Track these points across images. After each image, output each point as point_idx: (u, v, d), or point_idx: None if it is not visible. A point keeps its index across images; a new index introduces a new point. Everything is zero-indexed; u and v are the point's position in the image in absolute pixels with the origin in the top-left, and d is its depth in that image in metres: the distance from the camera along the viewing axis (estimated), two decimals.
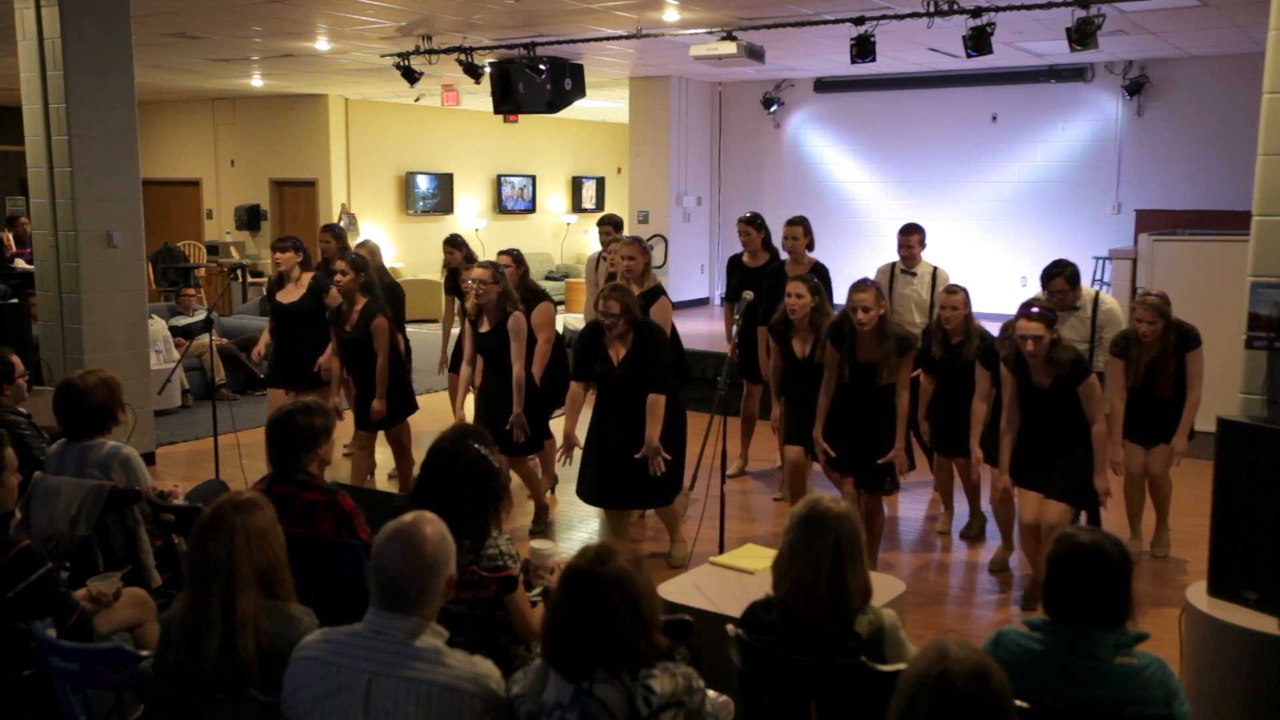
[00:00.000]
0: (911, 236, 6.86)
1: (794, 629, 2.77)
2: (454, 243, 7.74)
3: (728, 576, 4.06)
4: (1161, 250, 8.35)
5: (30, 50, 7.26)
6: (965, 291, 5.76)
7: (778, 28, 9.39)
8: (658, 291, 6.10)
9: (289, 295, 6.68)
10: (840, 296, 5.63)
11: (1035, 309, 4.85)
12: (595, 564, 2.38)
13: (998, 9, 8.28)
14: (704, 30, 9.71)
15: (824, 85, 13.73)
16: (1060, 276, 5.84)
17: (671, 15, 9.19)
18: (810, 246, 6.87)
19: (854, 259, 11.27)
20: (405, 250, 16.22)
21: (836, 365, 5.26)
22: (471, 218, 17.07)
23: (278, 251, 6.70)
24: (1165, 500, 5.77)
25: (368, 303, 6.13)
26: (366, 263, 6.33)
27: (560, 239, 18.82)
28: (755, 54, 10.04)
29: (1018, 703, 2.28)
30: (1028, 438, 5.00)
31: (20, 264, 10.88)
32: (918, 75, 12.76)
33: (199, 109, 16.61)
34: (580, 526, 6.54)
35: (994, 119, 12.81)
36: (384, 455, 7.23)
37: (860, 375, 5.20)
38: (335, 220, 14.09)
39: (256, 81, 14.02)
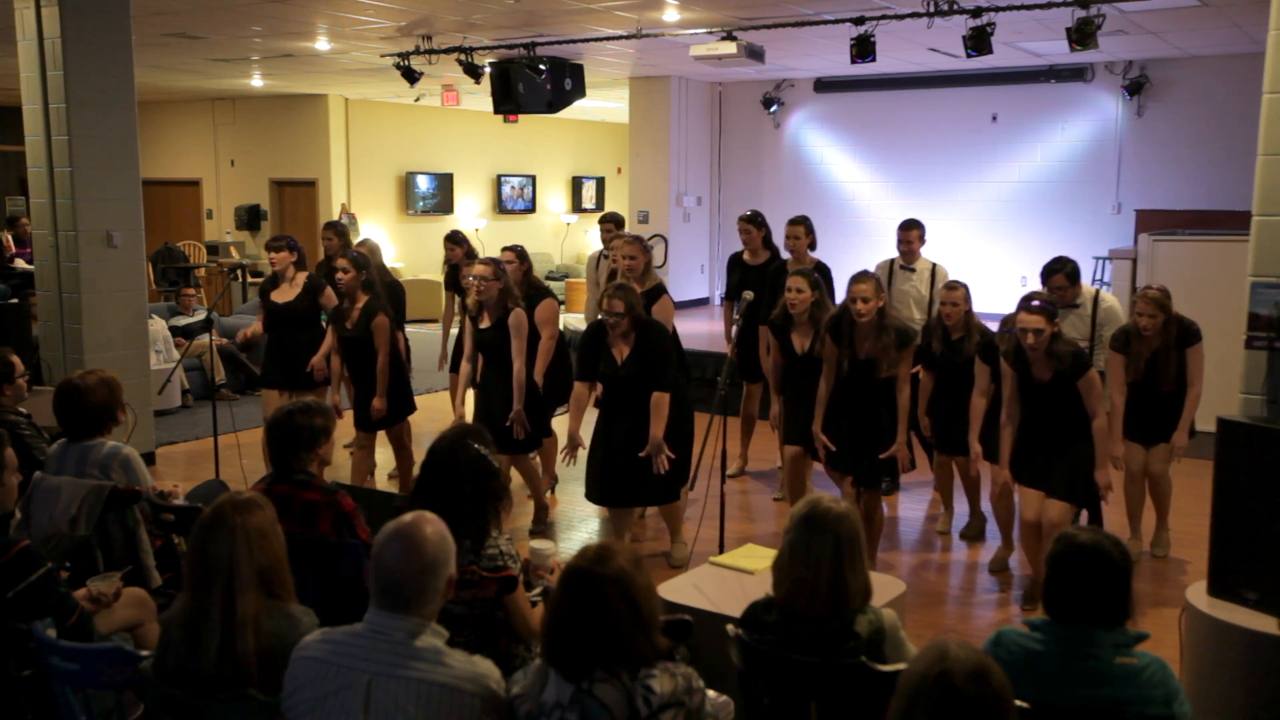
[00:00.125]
0: (911, 232, 6.86)
1: (794, 629, 2.77)
2: (455, 239, 7.75)
3: (728, 576, 4.06)
4: (1161, 250, 8.35)
5: (30, 50, 7.26)
6: (966, 287, 5.76)
7: (778, 28, 9.39)
8: (660, 290, 6.10)
9: (283, 295, 6.64)
10: (841, 296, 5.63)
11: (1036, 302, 4.84)
12: (595, 564, 2.38)
13: (998, 9, 8.28)
14: (704, 30, 9.71)
15: (824, 85, 13.73)
16: (1060, 273, 5.84)
17: (671, 15, 9.19)
18: (812, 246, 6.86)
19: (854, 259, 11.17)
20: (405, 250, 16.22)
21: (835, 358, 5.26)
22: (471, 218, 17.07)
23: (272, 251, 6.67)
24: (1165, 500, 5.77)
25: (369, 301, 6.13)
26: (368, 261, 6.34)
27: (560, 239, 18.82)
28: (755, 54, 10.04)
29: (1018, 703, 2.28)
30: (1028, 433, 4.99)
31: (20, 264, 10.90)
32: (918, 75, 12.76)
33: (199, 109, 16.61)
34: (580, 526, 6.54)
35: (994, 119, 12.82)
36: (384, 455, 7.23)
37: (860, 369, 5.20)
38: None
39: (256, 81, 14.02)
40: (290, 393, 6.43)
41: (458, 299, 7.31)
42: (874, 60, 8.91)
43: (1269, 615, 3.60)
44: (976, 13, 8.28)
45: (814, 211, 7.93)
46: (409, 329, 7.57)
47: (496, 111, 11.91)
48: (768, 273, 6.83)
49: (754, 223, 7.09)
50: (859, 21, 8.73)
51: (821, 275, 6.35)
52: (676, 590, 3.90)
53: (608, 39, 10.21)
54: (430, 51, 10.54)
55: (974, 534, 6.24)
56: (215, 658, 2.56)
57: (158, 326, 9.40)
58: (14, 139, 9.22)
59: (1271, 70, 4.37)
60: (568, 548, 5.90)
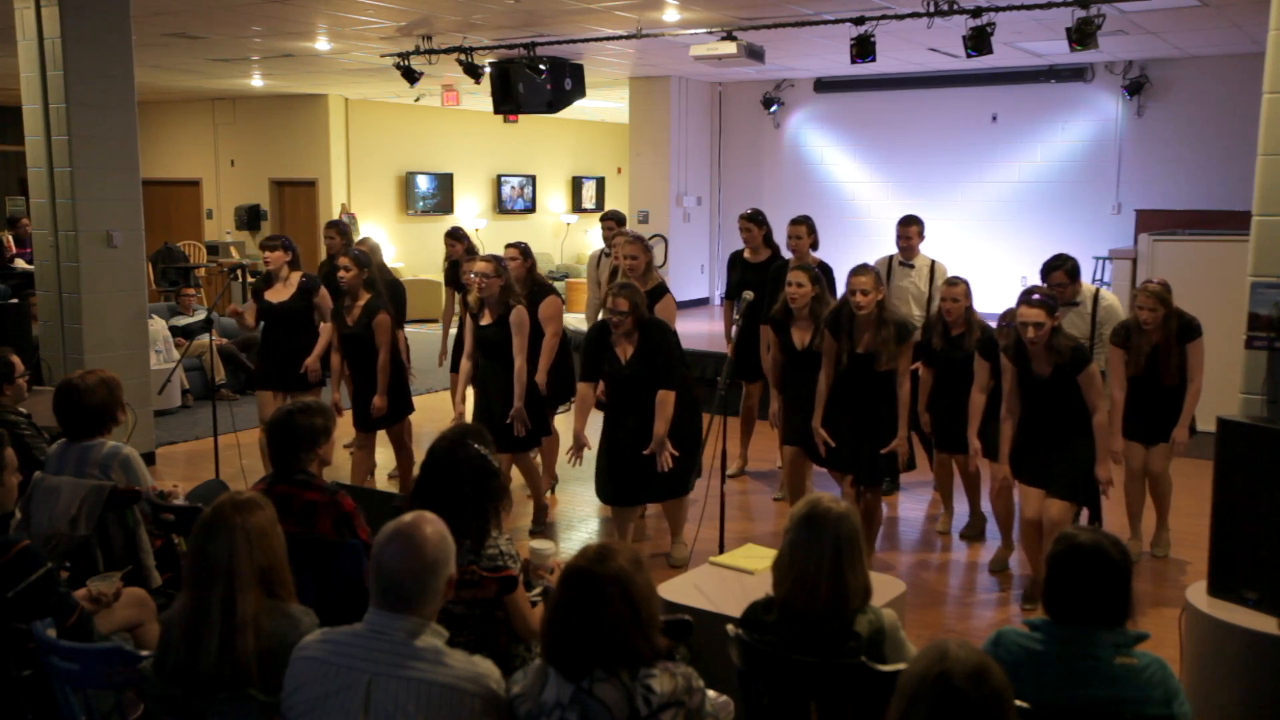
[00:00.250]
0: (910, 228, 6.86)
1: (794, 629, 2.77)
2: (455, 235, 7.75)
3: (728, 576, 4.06)
4: (1161, 250, 8.35)
5: (30, 50, 7.26)
6: (966, 283, 5.77)
7: (778, 28, 9.39)
8: (662, 290, 6.10)
9: (277, 295, 6.57)
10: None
11: (1036, 295, 4.83)
12: (595, 564, 2.38)
13: (998, 9, 8.28)
14: (704, 30, 9.71)
15: (824, 85, 13.73)
16: (1060, 270, 5.84)
17: (671, 15, 9.19)
18: (814, 246, 6.86)
19: (854, 259, 11.02)
20: (405, 250, 16.22)
21: (834, 352, 5.26)
22: (471, 217, 17.07)
23: (266, 250, 6.62)
24: (1165, 499, 5.77)
25: (371, 299, 6.14)
26: (369, 259, 6.33)
27: (560, 239, 18.82)
28: (755, 54, 10.04)
29: (1018, 703, 2.28)
30: (1028, 429, 4.98)
31: (20, 264, 10.90)
32: (918, 75, 12.76)
33: (199, 109, 16.61)
34: (580, 526, 6.54)
35: (994, 119, 12.82)
36: (384, 455, 7.23)
37: (859, 363, 5.20)
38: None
39: (256, 81, 14.02)
40: (285, 394, 6.41)
41: (458, 296, 7.31)
42: (874, 60, 8.91)
43: (1269, 615, 3.60)
44: (976, 13, 8.28)
45: (814, 211, 7.93)
46: (409, 329, 7.57)
47: (496, 111, 11.91)
48: (769, 272, 6.82)
49: (754, 221, 7.09)
50: (859, 21, 8.73)
51: (823, 274, 6.35)
52: (676, 590, 3.90)
53: (608, 39, 10.21)
54: (430, 51, 10.54)
55: (974, 534, 6.24)
56: (215, 658, 2.56)
57: (158, 326, 9.40)
58: (14, 139, 9.22)
59: (1271, 70, 4.37)
60: (568, 548, 5.90)
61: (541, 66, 10.93)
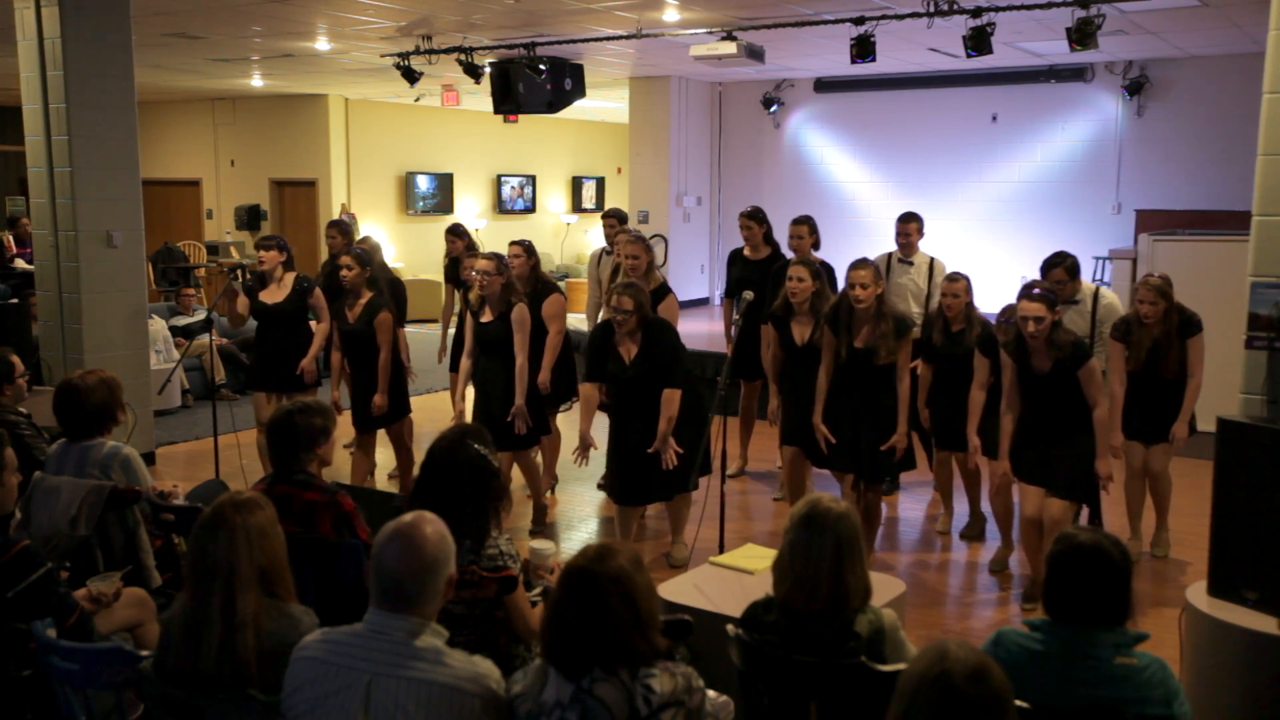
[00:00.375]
0: (910, 224, 6.86)
1: (794, 629, 2.77)
2: (456, 231, 7.75)
3: (728, 576, 4.06)
4: (1161, 250, 8.34)
5: (30, 50, 7.26)
6: (967, 279, 5.77)
7: (778, 28, 9.39)
8: (664, 289, 6.10)
9: (272, 295, 6.53)
10: None
11: (1037, 289, 4.83)
12: (594, 563, 2.38)
13: (998, 9, 8.28)
14: (704, 30, 9.71)
15: (824, 85, 13.73)
16: (1060, 267, 5.84)
17: (671, 15, 9.19)
18: (816, 246, 6.85)
19: (854, 259, 11.26)
20: (405, 250, 16.22)
21: (834, 347, 5.26)
22: (471, 217, 17.06)
23: (261, 250, 6.59)
24: (1165, 499, 5.77)
25: (373, 297, 6.15)
26: (371, 257, 6.34)
27: (560, 239, 18.82)
28: (755, 54, 10.04)
29: (1018, 703, 2.28)
30: (1028, 425, 4.97)
31: (20, 264, 10.90)
32: (918, 75, 12.76)
33: (199, 109, 16.61)
34: (580, 526, 6.54)
35: (994, 119, 12.82)
36: (384, 455, 7.23)
37: (858, 357, 5.21)
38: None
39: (256, 81, 14.02)
40: (280, 395, 6.40)
41: (458, 293, 7.30)
42: (874, 60, 8.91)
43: (1269, 615, 3.60)
44: (976, 13, 8.28)
45: (814, 211, 7.93)
46: (409, 329, 7.57)
47: (496, 111, 11.91)
48: (770, 270, 6.82)
49: (755, 219, 7.09)
50: (859, 21, 8.73)
51: (825, 273, 6.35)
52: (676, 590, 3.90)
53: (608, 39, 10.21)
54: (430, 51, 10.54)
55: (974, 534, 6.24)
56: (215, 657, 2.56)
57: (158, 326, 9.40)
58: (14, 139, 9.22)
59: (1271, 70, 4.37)
60: (568, 548, 5.90)
61: (541, 66, 10.94)
